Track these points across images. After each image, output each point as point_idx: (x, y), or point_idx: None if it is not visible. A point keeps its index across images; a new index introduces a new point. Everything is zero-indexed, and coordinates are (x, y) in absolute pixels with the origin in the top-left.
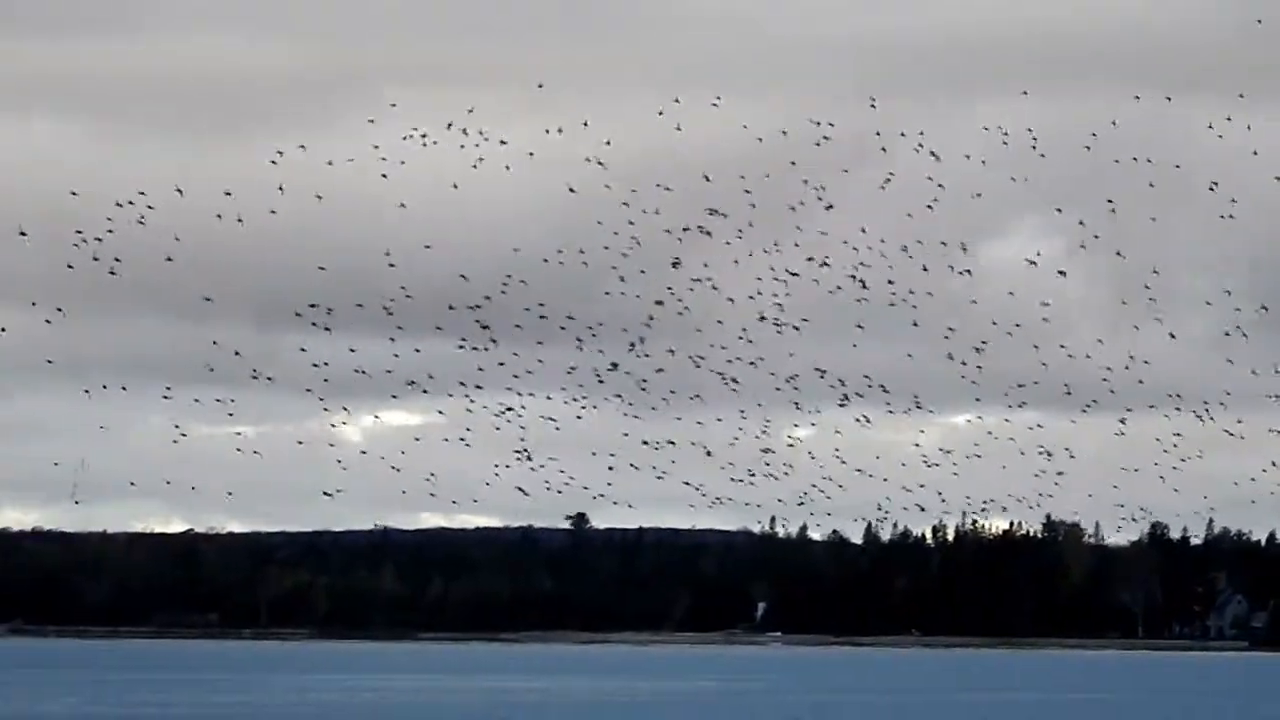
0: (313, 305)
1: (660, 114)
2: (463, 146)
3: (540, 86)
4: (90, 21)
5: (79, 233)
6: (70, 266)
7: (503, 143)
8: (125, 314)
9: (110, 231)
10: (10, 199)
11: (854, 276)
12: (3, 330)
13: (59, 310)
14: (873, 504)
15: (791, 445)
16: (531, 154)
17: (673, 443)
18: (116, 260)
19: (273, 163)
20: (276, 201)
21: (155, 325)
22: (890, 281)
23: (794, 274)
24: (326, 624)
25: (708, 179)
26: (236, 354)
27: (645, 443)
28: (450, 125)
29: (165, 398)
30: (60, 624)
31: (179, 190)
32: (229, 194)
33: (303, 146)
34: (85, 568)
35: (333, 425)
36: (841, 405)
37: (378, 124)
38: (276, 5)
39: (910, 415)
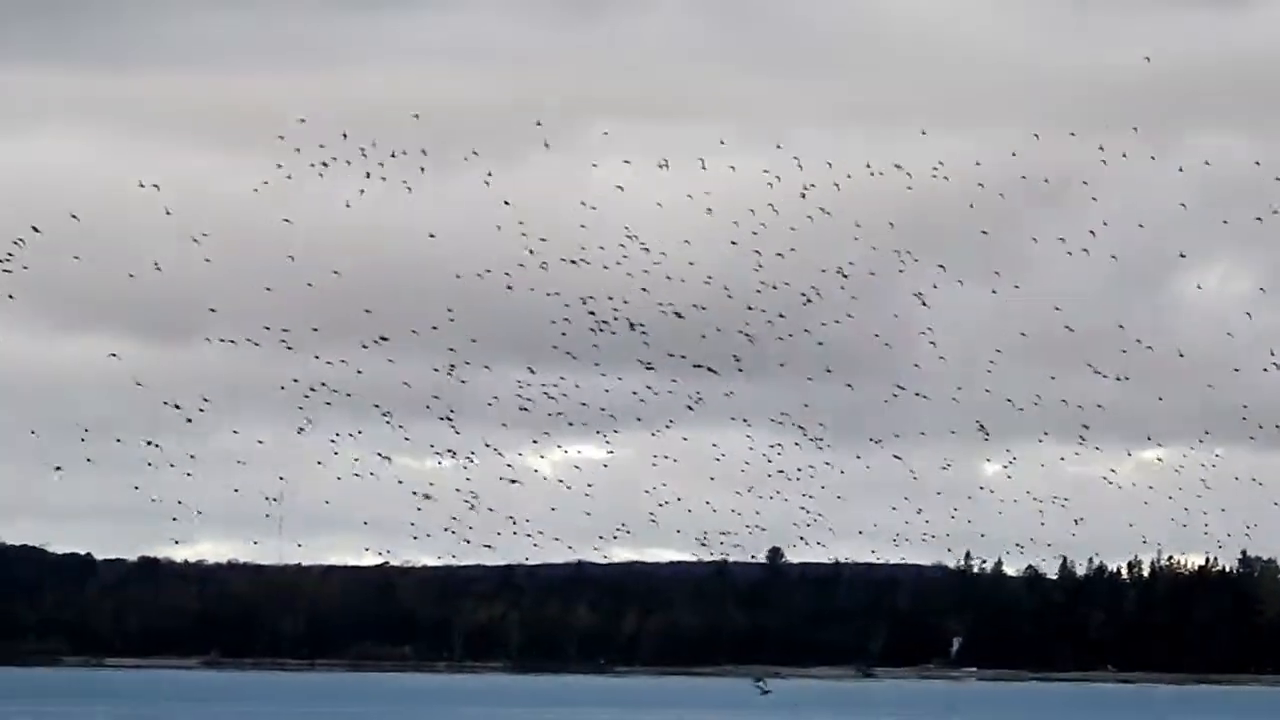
0: (497, 339)
1: (862, 147)
2: (666, 179)
3: (750, 121)
4: (308, 55)
5: (291, 257)
6: (268, 289)
7: (702, 169)
8: (327, 346)
9: (291, 260)
10: (232, 230)
11: (1057, 308)
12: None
13: (255, 344)
14: (1068, 539)
15: (986, 479)
16: (733, 186)
17: (868, 476)
18: (307, 285)
19: (478, 193)
20: (479, 236)
21: (355, 357)
22: (1091, 314)
23: (992, 306)
24: (521, 657)
25: (906, 211)
26: (439, 385)
27: (841, 473)
28: (659, 158)
29: (359, 432)
30: (256, 656)
31: (378, 225)
32: (433, 236)
33: (500, 178)
34: (281, 600)
35: (528, 458)
36: (1040, 441)
37: (588, 156)
38: (492, 38)
39: (1105, 450)
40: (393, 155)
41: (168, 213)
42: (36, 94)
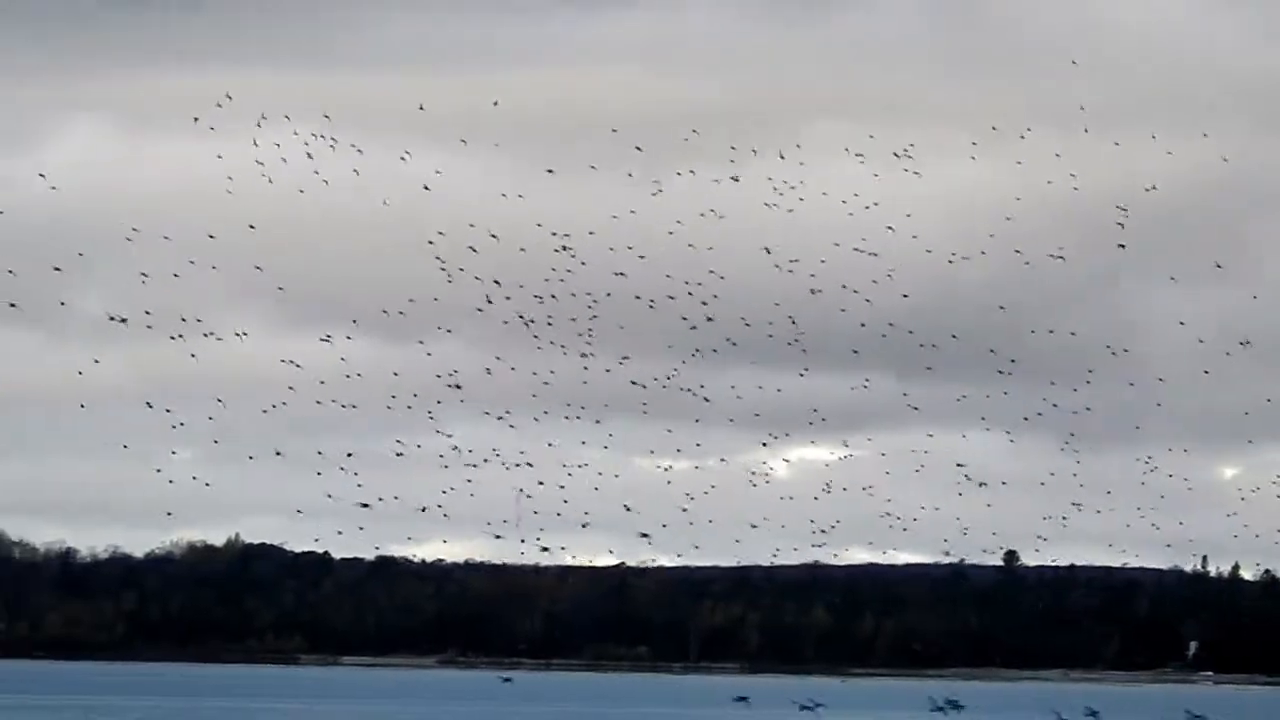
0: (730, 341)
1: (1058, 156)
2: (893, 180)
3: (969, 128)
4: (517, 54)
5: (522, 249)
6: (506, 299)
7: (915, 175)
8: (560, 347)
9: (552, 270)
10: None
11: None
12: (454, 372)
13: (492, 344)
14: None
15: (1224, 483)
16: (963, 187)
17: (1107, 480)
18: (551, 298)
19: (694, 196)
20: (686, 236)
21: (590, 358)
22: None
23: (1229, 308)
24: (757, 659)
25: (1124, 210)
26: (664, 387)
27: (1077, 476)
28: (885, 159)
29: (598, 433)
30: (493, 656)
31: (606, 224)
32: (628, 243)
33: (717, 181)
34: (518, 600)
35: (765, 459)
36: (1272, 445)
37: (789, 161)
38: (698, 41)
39: None
40: (592, 163)
41: (385, 203)
42: (250, 95)
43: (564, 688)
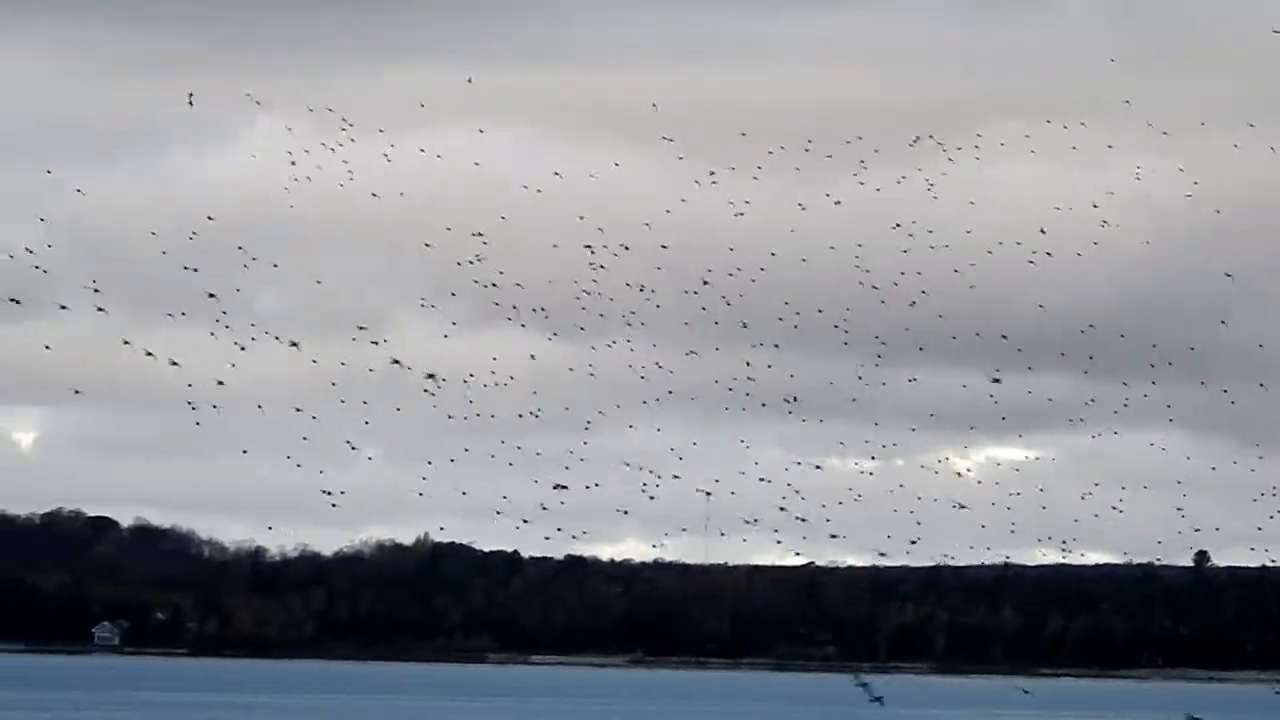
0: (916, 340)
1: (1236, 147)
2: (1070, 181)
3: (1149, 125)
4: (680, 52)
5: (731, 249)
6: (693, 294)
7: (1102, 173)
8: (750, 345)
9: (739, 269)
10: (621, 231)
11: None
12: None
13: (673, 343)
14: None
15: None
16: (1141, 187)
17: None
18: (739, 296)
19: (876, 192)
20: (875, 237)
21: (778, 356)
22: None
23: None
24: (945, 658)
25: None
26: (853, 385)
27: (1265, 476)
28: (1063, 159)
29: (781, 431)
30: (680, 655)
31: (792, 228)
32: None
33: (901, 180)
34: (706, 599)
35: (952, 459)
36: None
37: (988, 156)
38: (892, 37)
39: None
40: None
41: (580, 218)
42: (460, 92)
43: (753, 687)
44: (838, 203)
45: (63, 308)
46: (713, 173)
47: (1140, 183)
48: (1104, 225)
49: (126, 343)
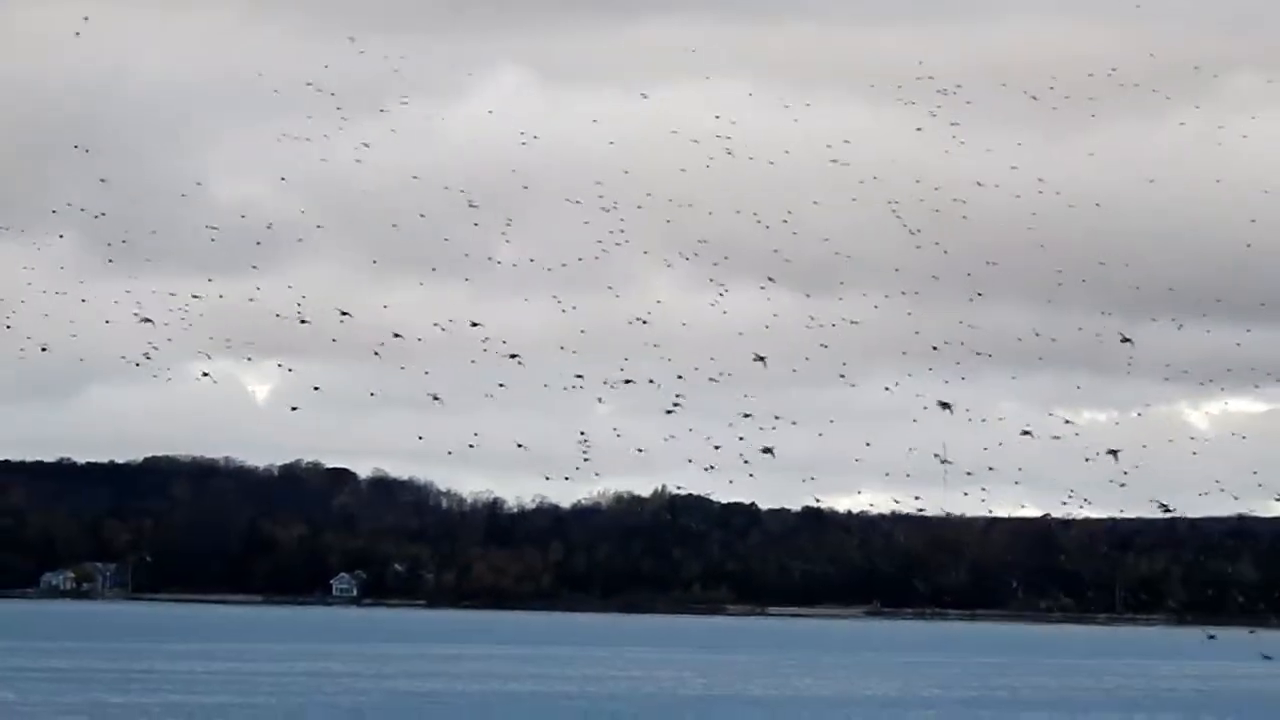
0: (1157, 293)
1: None
2: None
3: None
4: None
5: (936, 210)
6: (917, 248)
7: None
8: (977, 296)
9: (964, 219)
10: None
11: None
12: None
13: (916, 294)
14: None
15: None
16: None
17: None
18: (970, 249)
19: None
20: (1120, 191)
21: (1019, 310)
22: None
23: None
24: (1183, 610)
25: None
26: (1090, 339)
27: None
28: None
29: (1023, 386)
30: (917, 606)
31: (1039, 179)
32: (1039, 184)
33: (1129, 132)
34: (943, 551)
35: (1189, 411)
36: None
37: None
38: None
39: None
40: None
41: (834, 163)
42: (690, 45)
43: (991, 637)
44: (1090, 154)
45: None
46: (955, 124)
47: None
48: None
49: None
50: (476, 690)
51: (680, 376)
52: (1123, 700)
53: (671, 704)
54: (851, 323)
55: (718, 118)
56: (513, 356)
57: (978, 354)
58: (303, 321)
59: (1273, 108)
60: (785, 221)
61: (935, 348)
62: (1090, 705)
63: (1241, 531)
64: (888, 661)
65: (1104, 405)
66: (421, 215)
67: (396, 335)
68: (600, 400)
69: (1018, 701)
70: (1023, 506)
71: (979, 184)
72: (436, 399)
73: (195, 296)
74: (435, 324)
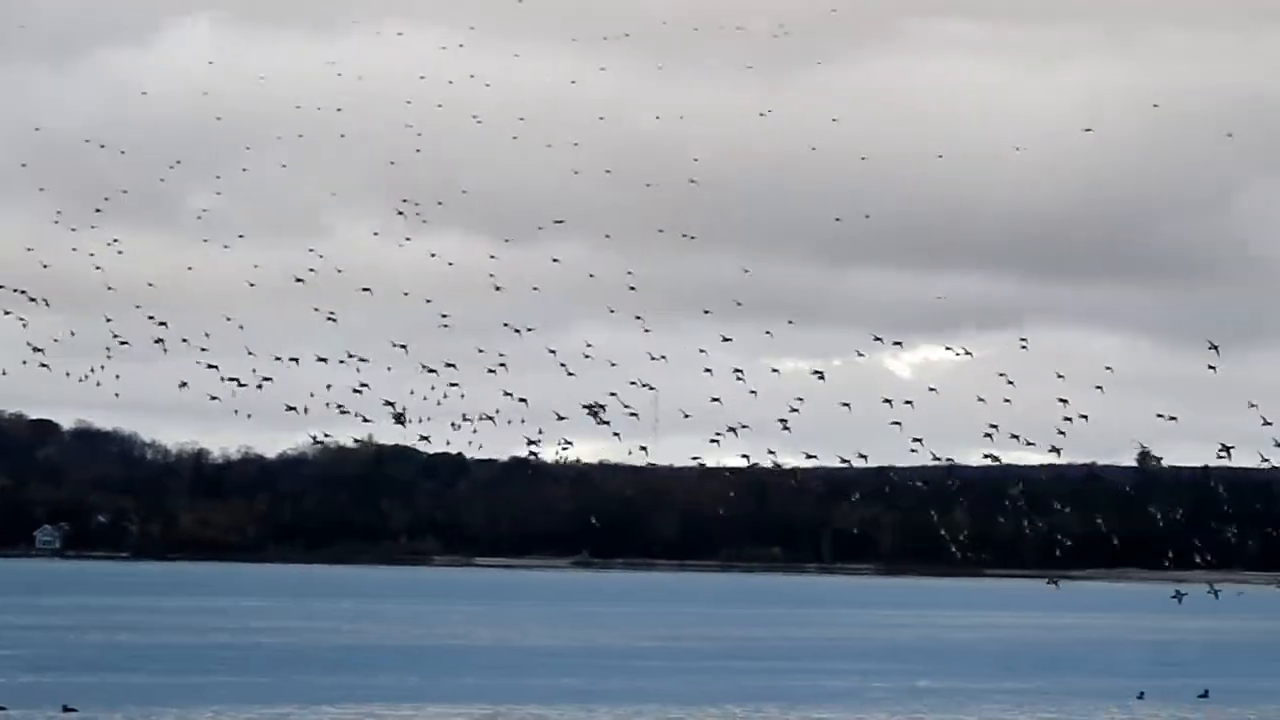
0: (856, 242)
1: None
2: (1015, 82)
3: (1103, 26)
4: None
5: (644, 159)
6: (630, 196)
7: (1042, 73)
8: (689, 248)
9: (672, 169)
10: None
11: None
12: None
13: (606, 238)
14: None
15: None
16: (1089, 90)
17: (1241, 379)
18: (679, 197)
19: (819, 90)
20: (804, 138)
21: (720, 260)
22: None
23: None
24: (893, 560)
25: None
26: (804, 289)
27: (1202, 377)
28: (1010, 61)
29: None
30: (628, 557)
31: (746, 125)
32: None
33: (839, 77)
34: (654, 502)
35: (893, 360)
36: None
37: (934, 55)
38: None
39: None
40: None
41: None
42: None
43: (704, 587)
44: (801, 99)
45: None
46: (661, 66)
47: (1092, 83)
48: (1047, 127)
49: (74, 248)
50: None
51: (402, 345)
52: (828, 649)
53: (361, 651)
54: (556, 270)
55: (419, 66)
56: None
57: (683, 302)
58: None
59: (973, 57)
60: (492, 170)
61: (641, 296)
62: (796, 653)
63: (950, 481)
64: (595, 611)
65: (810, 354)
66: (121, 163)
67: (110, 288)
68: (300, 350)
69: (721, 651)
70: (736, 456)
71: (685, 130)
72: (140, 349)
73: None
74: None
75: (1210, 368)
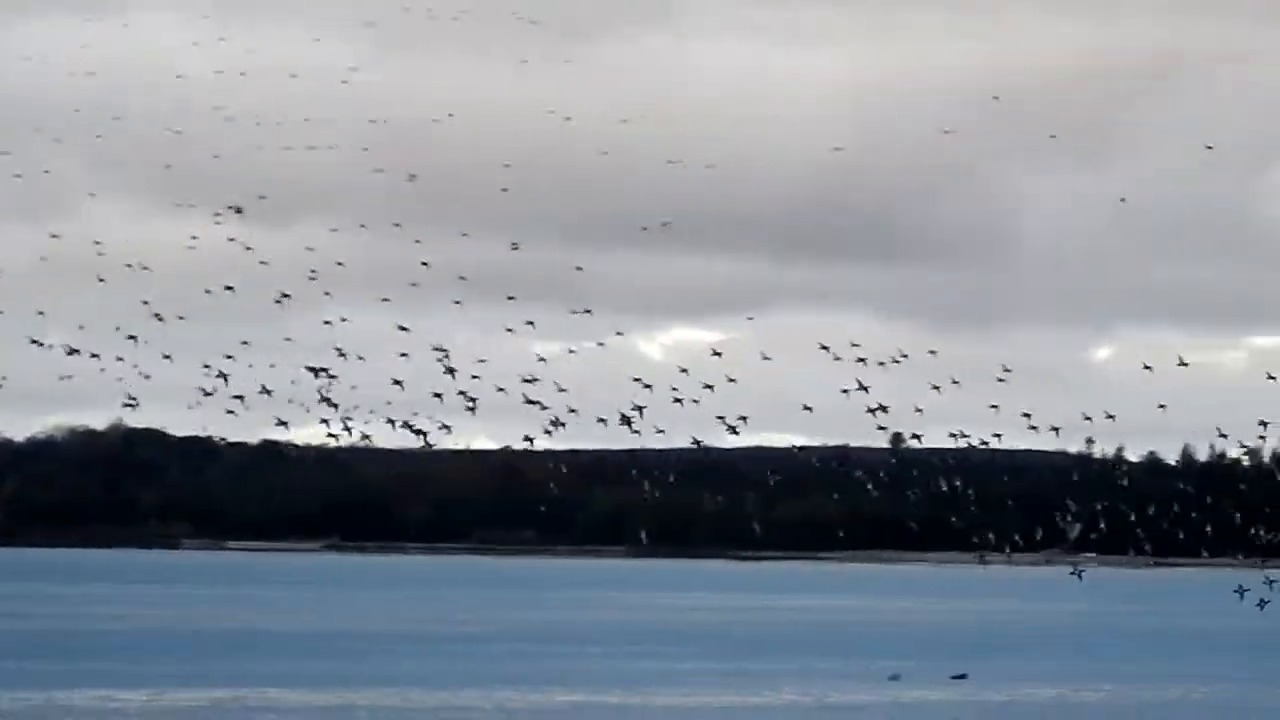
0: (610, 222)
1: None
2: (757, 60)
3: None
4: None
5: (405, 140)
6: (375, 174)
7: (801, 54)
8: (442, 228)
9: (418, 148)
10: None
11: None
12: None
13: (361, 229)
14: (1189, 427)
15: (1097, 364)
16: (835, 71)
17: (979, 362)
18: (423, 177)
19: (575, 72)
20: (561, 113)
21: (469, 240)
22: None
23: (1100, 192)
24: (645, 543)
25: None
26: (559, 268)
27: (952, 359)
28: (765, 36)
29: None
30: (379, 541)
31: (514, 104)
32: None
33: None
34: (406, 485)
35: (645, 341)
36: (1150, 326)
37: (700, 31)
38: None
39: (1217, 336)
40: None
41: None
42: None
43: (456, 571)
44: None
45: None
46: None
47: (844, 63)
48: (804, 106)
49: None
50: None
51: (159, 316)
52: (587, 631)
53: (122, 637)
54: (312, 254)
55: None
56: None
57: (447, 286)
58: None
59: (735, 36)
60: (252, 150)
61: (415, 284)
62: (553, 636)
63: (703, 463)
64: (342, 595)
65: (566, 337)
66: None
67: None
68: (41, 334)
69: (485, 636)
70: (492, 441)
71: (449, 113)
72: None
73: None
74: None
75: (931, 352)
